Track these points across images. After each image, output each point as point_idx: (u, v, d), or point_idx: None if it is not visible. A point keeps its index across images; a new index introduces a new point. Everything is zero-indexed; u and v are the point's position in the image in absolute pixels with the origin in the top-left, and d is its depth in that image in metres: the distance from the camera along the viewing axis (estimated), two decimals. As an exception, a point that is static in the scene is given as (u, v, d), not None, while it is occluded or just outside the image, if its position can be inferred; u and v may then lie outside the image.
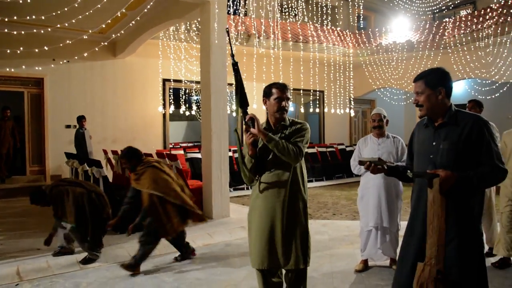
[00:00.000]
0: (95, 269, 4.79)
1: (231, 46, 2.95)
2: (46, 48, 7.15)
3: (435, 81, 2.56)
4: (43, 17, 6.56)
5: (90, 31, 7.95)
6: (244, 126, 2.89)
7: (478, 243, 2.48)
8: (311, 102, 15.60)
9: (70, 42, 7.49)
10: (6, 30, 7.05)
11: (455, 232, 2.42)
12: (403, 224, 5.11)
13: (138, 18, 8.43)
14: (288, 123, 3.06)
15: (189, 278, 4.50)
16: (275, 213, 2.92)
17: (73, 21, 6.82)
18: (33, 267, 4.74)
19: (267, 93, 3.04)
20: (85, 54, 8.19)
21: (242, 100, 2.89)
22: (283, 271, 3.15)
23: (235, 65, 2.86)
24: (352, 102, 16.23)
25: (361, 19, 16.80)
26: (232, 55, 2.87)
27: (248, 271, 4.60)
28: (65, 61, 9.71)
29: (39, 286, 4.29)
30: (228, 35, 3.01)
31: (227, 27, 3.20)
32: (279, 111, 2.99)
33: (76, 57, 8.46)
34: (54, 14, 6.49)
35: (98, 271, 4.73)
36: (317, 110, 15.83)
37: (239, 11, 12.66)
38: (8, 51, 6.82)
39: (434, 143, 2.55)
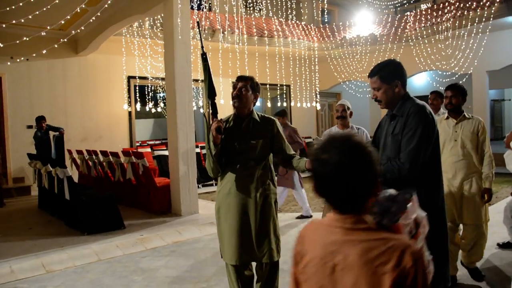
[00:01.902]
0: (62, 272, 4.69)
1: (200, 37, 2.99)
2: (1, 45, 6.88)
3: (390, 75, 2.57)
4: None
5: (49, 27, 7.71)
6: (211, 114, 2.93)
7: (440, 236, 2.53)
8: (278, 96, 15.68)
9: (27, 39, 7.24)
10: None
11: None
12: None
13: (99, 14, 8.24)
14: (256, 116, 3.08)
15: (158, 277, 4.46)
16: (248, 208, 2.94)
17: (30, 17, 6.59)
18: (-4, 272, 4.61)
19: (233, 86, 3.07)
20: (44, 51, 7.94)
21: (210, 90, 2.93)
22: (253, 264, 3.17)
23: (203, 54, 2.91)
24: (318, 96, 16.40)
25: (325, 14, 16.97)
26: (202, 46, 2.92)
27: (218, 266, 4.61)
28: (23, 58, 9.39)
29: (2, 292, 4.18)
30: (199, 26, 3.06)
31: (197, 18, 3.25)
32: (234, 99, 3.01)
33: (34, 55, 8.19)
34: (8, 9, 6.25)
35: (64, 274, 4.63)
36: (284, 104, 15.92)
37: (203, 6, 12.56)
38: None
39: (387, 135, 2.62)
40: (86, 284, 4.32)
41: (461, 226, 4.02)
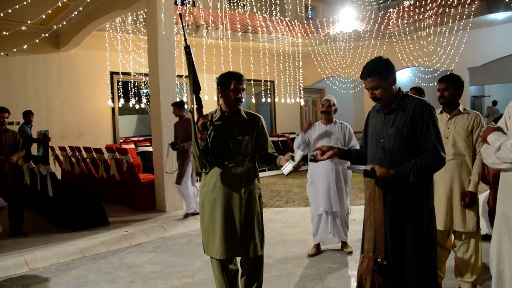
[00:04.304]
0: (46, 269, 4.65)
1: (183, 30, 2.94)
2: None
3: (386, 71, 2.61)
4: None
5: (29, 21, 7.59)
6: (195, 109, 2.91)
7: (427, 240, 2.57)
8: (262, 92, 15.71)
9: (7, 33, 7.12)
10: None
11: (407, 228, 2.54)
12: (353, 208, 5.32)
13: (81, 9, 8.14)
14: (243, 112, 3.08)
15: (143, 272, 4.46)
16: (233, 203, 2.95)
17: (9, 11, 6.48)
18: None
19: (224, 83, 3.01)
20: (25, 47, 7.82)
21: (194, 84, 2.88)
22: (238, 259, 3.19)
23: (187, 47, 2.84)
24: (302, 92, 16.49)
25: (309, 9, 17.05)
26: (185, 39, 2.85)
27: (203, 261, 4.63)
28: (2, 54, 9.23)
29: (-15, 289, 4.13)
30: (181, 18, 2.98)
31: (180, 11, 3.18)
32: (236, 102, 3.01)
33: (15, 50, 8.05)
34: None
35: (48, 271, 4.60)
36: (268, 100, 15.97)
37: (187, 1, 12.49)
38: None
39: (384, 128, 2.65)
40: (70, 280, 4.30)
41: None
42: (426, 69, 13.68)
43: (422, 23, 12.87)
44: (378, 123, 2.72)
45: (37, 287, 4.16)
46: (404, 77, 14.99)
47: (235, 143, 2.98)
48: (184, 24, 3.03)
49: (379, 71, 2.60)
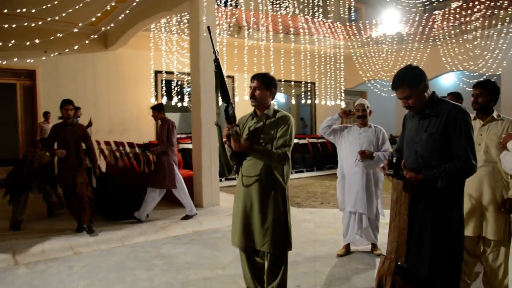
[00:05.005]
0: (88, 254, 4.97)
1: (212, 43, 2.99)
2: (37, 41, 7.24)
3: (417, 79, 2.63)
4: (33, 10, 6.67)
5: (80, 24, 8.04)
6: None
7: (455, 245, 2.58)
8: (302, 93, 15.77)
9: (61, 35, 7.58)
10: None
11: (434, 232, 2.56)
12: (386, 212, 5.30)
13: (128, 12, 8.53)
14: (272, 112, 3.17)
15: (178, 262, 4.69)
16: (252, 197, 3.10)
17: (64, 14, 6.92)
18: (28, 252, 4.93)
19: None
20: (76, 47, 8.28)
21: (224, 96, 2.97)
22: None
23: (216, 61, 2.89)
24: (343, 94, 16.41)
25: (352, 11, 16.91)
26: (214, 51, 2.90)
27: (234, 255, 4.79)
28: (56, 53, 9.79)
29: (35, 269, 4.47)
30: (210, 32, 3.06)
31: (208, 26, 3.27)
32: (251, 99, 3.16)
33: (67, 50, 8.54)
34: (44, 7, 6.59)
35: (91, 256, 4.91)
36: (309, 101, 16.02)
37: (230, 2, 12.75)
38: (0, 44, 6.92)
39: (417, 133, 2.69)
40: (110, 265, 4.59)
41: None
42: (471, 74, 13.30)
43: (469, 26, 12.55)
44: (412, 127, 2.76)
45: (80, 269, 4.46)
46: (448, 81, 14.66)
47: (258, 142, 3.09)
48: (212, 36, 3.11)
49: (409, 81, 2.62)
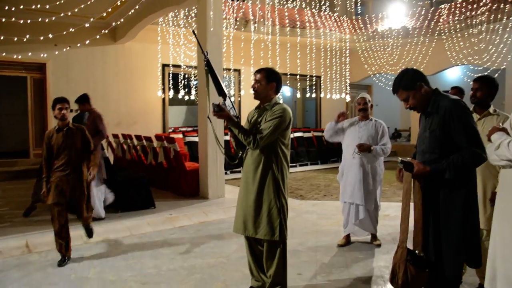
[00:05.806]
0: (98, 243, 5.17)
1: (200, 47, 3.32)
2: (50, 36, 7.40)
3: (410, 81, 2.79)
4: (47, 6, 6.83)
5: (92, 19, 8.20)
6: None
7: (472, 226, 2.64)
8: (307, 87, 15.87)
9: (73, 30, 7.74)
10: (13, 19, 7.25)
11: (441, 221, 2.66)
12: (388, 205, 5.45)
13: (137, 7, 8.67)
14: (272, 105, 3.32)
15: (183, 251, 4.88)
16: (248, 186, 3.33)
17: (76, 10, 7.08)
18: (40, 241, 5.14)
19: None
20: (87, 42, 8.44)
21: (220, 92, 3.25)
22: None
23: (206, 61, 3.14)
24: (349, 88, 16.49)
25: (358, 5, 16.92)
26: (203, 52, 3.15)
27: (239, 245, 4.98)
28: (67, 47, 9.95)
29: (47, 257, 4.68)
30: (195, 35, 3.41)
31: (193, 30, 3.61)
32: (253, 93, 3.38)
33: (78, 44, 8.70)
34: (58, 3, 6.75)
35: (100, 245, 5.11)
36: (314, 95, 16.12)
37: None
38: (15, 38, 7.08)
39: (424, 131, 2.83)
40: (119, 254, 4.79)
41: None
42: (476, 68, 13.33)
43: (475, 20, 12.56)
44: (422, 126, 2.90)
45: (90, 257, 4.67)
46: (453, 75, 14.69)
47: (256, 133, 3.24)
48: (198, 39, 3.39)
49: (404, 85, 2.81)
